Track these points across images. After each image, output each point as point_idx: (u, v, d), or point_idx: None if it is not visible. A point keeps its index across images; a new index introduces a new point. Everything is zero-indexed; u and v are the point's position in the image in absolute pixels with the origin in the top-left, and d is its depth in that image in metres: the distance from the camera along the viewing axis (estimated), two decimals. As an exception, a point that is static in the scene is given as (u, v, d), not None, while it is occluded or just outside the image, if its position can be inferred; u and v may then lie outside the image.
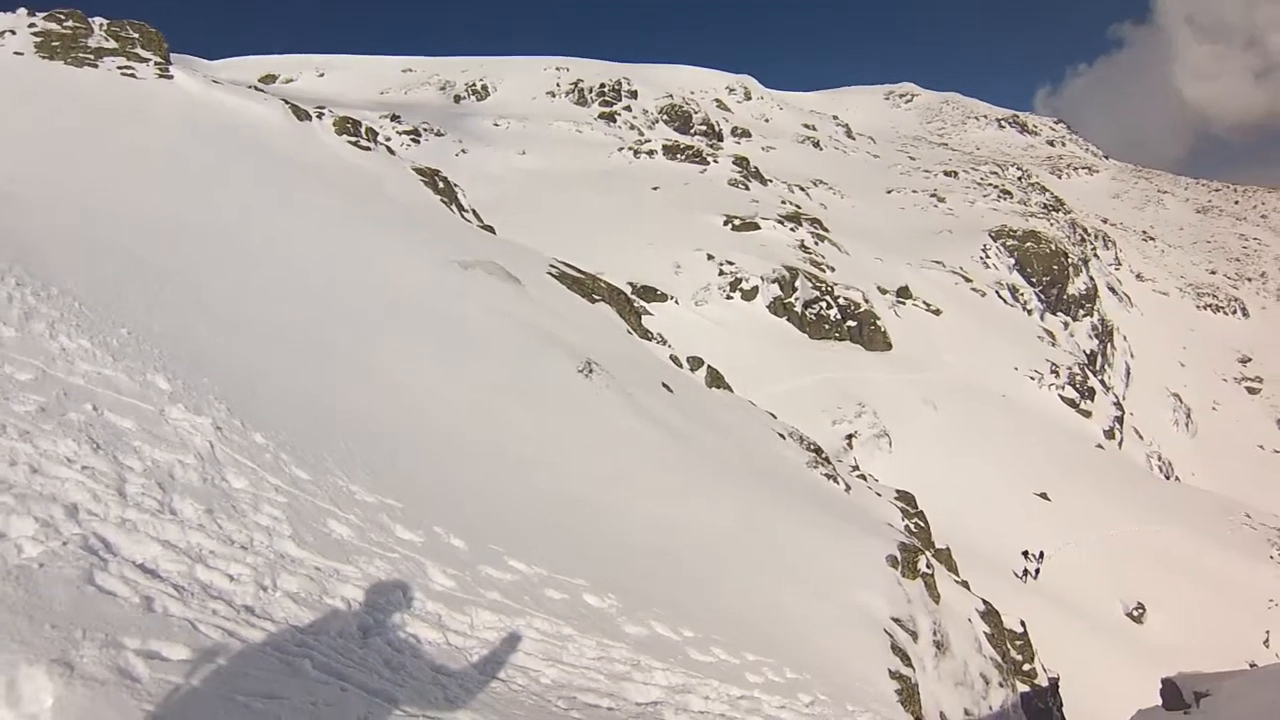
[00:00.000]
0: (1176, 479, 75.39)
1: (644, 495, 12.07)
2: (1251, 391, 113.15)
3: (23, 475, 3.51)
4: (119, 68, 23.09)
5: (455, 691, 3.90)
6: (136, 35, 25.74)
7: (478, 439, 9.83)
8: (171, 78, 24.34)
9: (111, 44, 24.34)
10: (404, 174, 29.38)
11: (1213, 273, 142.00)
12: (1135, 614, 39.45)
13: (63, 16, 24.44)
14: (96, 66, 22.70)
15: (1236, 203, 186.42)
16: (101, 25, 25.32)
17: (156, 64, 24.43)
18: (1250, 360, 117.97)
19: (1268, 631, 41.17)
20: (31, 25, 23.37)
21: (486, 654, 4.70)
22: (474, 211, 32.37)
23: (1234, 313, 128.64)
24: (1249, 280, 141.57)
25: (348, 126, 29.97)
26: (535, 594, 6.23)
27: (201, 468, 4.41)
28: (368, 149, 29.53)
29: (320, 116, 29.12)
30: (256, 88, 32.06)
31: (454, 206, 29.82)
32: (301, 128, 27.03)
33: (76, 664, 2.39)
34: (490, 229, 31.15)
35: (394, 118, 79.81)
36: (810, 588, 12.73)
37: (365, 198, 22.43)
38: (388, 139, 42.65)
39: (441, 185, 30.53)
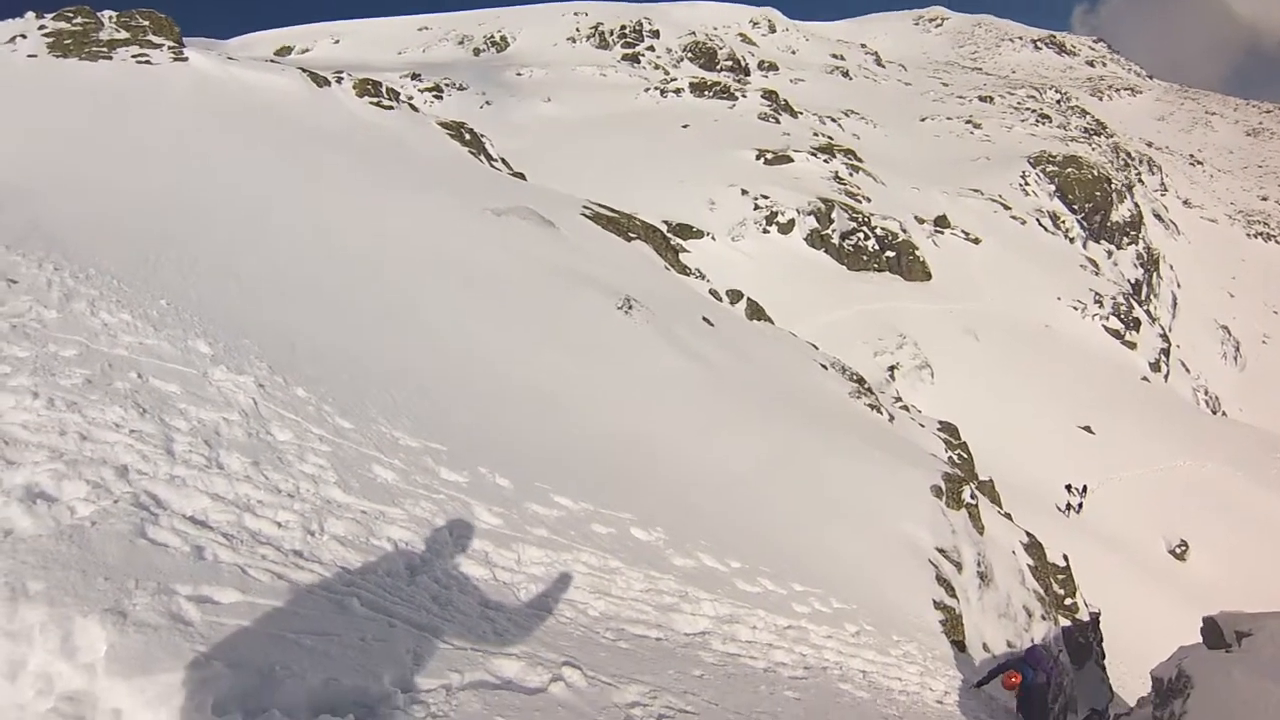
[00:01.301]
0: (1223, 414, 73.69)
1: (687, 429, 12.15)
2: None
3: (73, 443, 3.61)
4: (133, 56, 23.14)
5: (503, 625, 3.99)
6: (147, 23, 25.84)
7: (519, 382, 9.95)
8: (186, 60, 24.33)
9: (123, 35, 24.38)
10: (429, 129, 29.27)
11: (1264, 199, 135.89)
12: (1178, 551, 39.03)
13: (71, 14, 24.48)
14: (111, 58, 22.77)
15: None
16: (111, 18, 25.38)
17: (170, 48, 24.46)
18: None
19: None
20: (42, 27, 23.44)
21: (534, 589, 4.78)
22: (503, 160, 32.22)
23: None
24: None
25: (368, 88, 29.82)
26: (582, 529, 6.31)
27: (246, 423, 4.54)
28: (390, 108, 29.41)
29: (339, 81, 29.04)
30: (273, 61, 31.94)
31: (482, 157, 29.71)
32: (322, 94, 26.96)
33: (129, 612, 2.48)
34: (521, 176, 31.02)
35: (414, 76, 79.08)
36: (855, 519, 12.80)
37: (392, 156, 22.45)
38: (410, 97, 42.28)
39: (468, 137, 30.39)
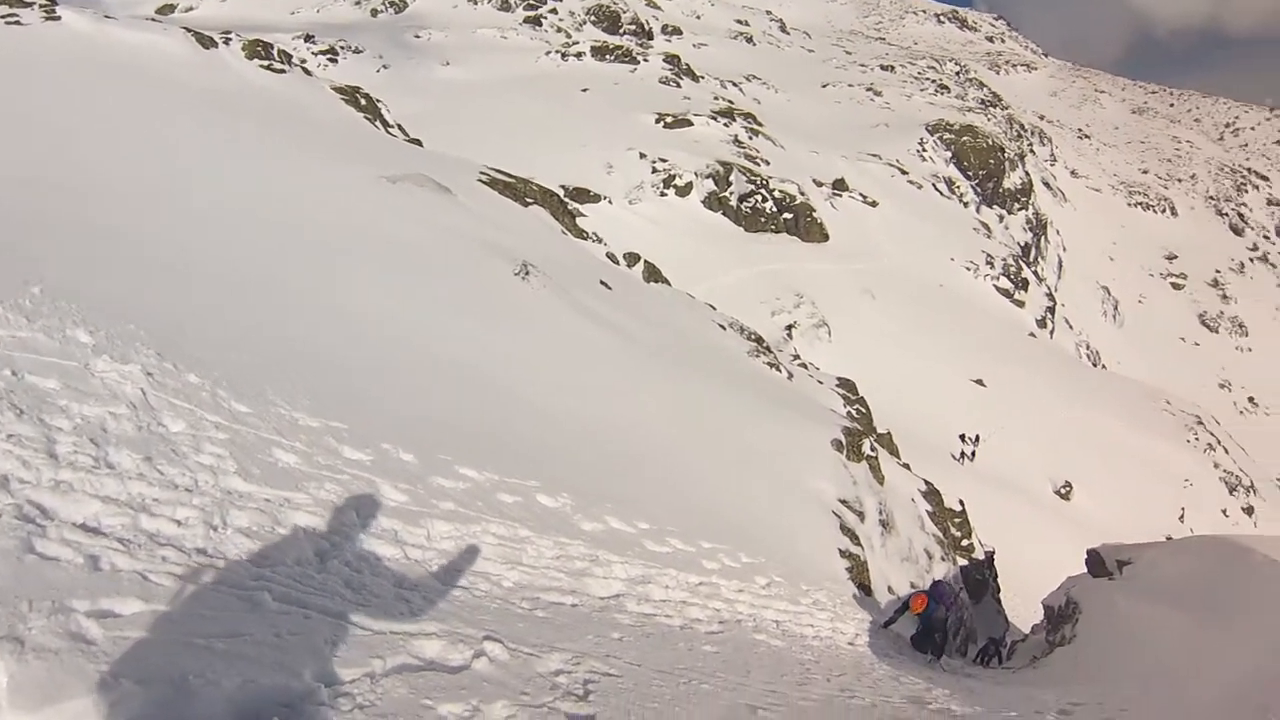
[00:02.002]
0: (1103, 367, 78.99)
1: (589, 392, 12.21)
2: (1176, 287, 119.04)
3: (-60, 458, 3.32)
4: (1, 17, 21.23)
5: (419, 604, 3.98)
6: (15, -19, 23.61)
7: (420, 352, 9.77)
8: (59, 19, 22.47)
9: (-11, -6, 22.26)
10: (323, 94, 28.06)
11: (1145, 172, 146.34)
12: (1063, 492, 41.83)
13: (-76, -25, 22.19)
14: (-25, 20, 20.79)
15: (1171, 105, 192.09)
16: (-25, -24, 23.07)
17: (42, 6, 22.51)
18: (1176, 258, 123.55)
19: (1183, 508, 44.36)
20: (-108, -9, 21.23)
21: (446, 564, 4.77)
22: (399, 126, 31.23)
23: (1163, 211, 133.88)
24: (1179, 181, 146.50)
25: (258, 50, 28.34)
26: (489, 500, 6.30)
27: (135, 416, 4.27)
28: (282, 71, 28.06)
29: (227, 43, 27.46)
30: (154, 20, 29.94)
31: (378, 123, 28.75)
32: (209, 56, 25.43)
33: (26, 637, 2.33)
34: (418, 142, 30.18)
35: (308, 38, 75.31)
36: (759, 474, 13.12)
37: (285, 122, 21.44)
38: (303, 60, 40.42)
39: (364, 102, 29.32)
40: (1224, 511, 47.15)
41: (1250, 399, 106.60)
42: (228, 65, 25.65)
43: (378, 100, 30.87)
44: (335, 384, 6.89)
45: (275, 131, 18.45)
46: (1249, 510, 49.37)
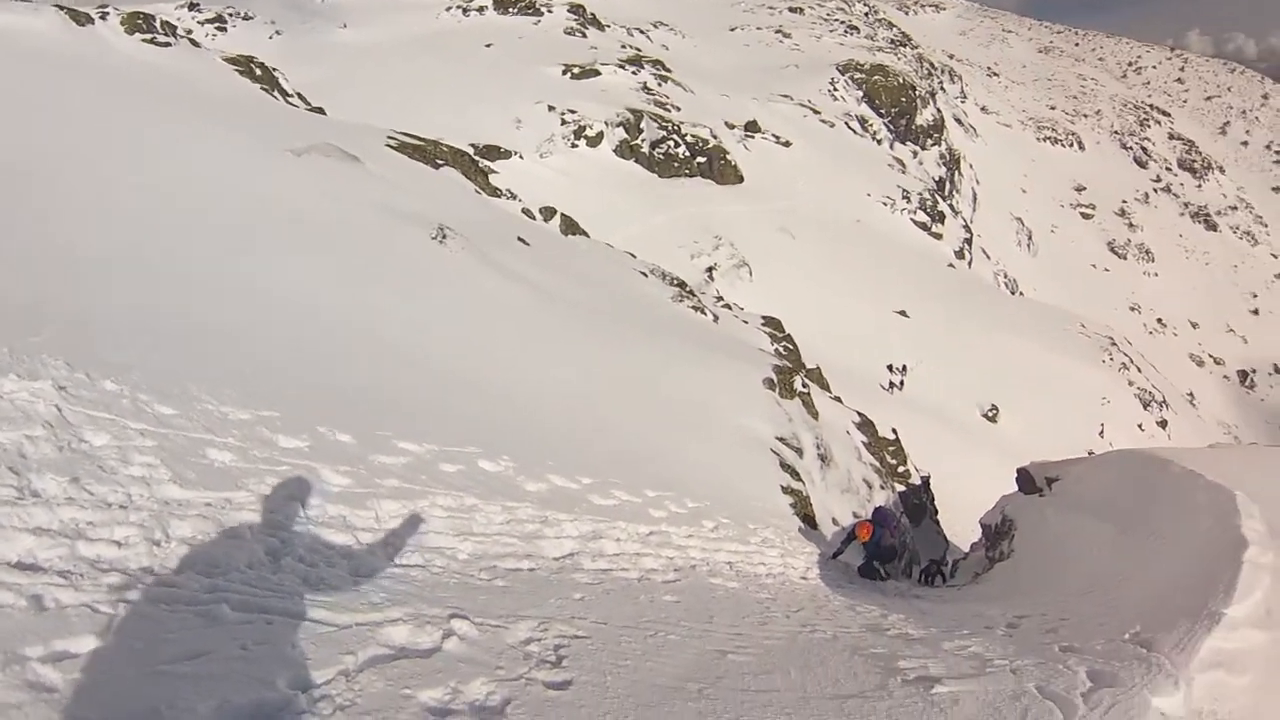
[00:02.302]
0: (1021, 294, 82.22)
1: (519, 352, 12.12)
2: (1085, 217, 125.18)
3: None
4: None
5: (380, 590, 3.91)
6: None
7: (345, 329, 9.48)
8: None
9: None
10: (215, 66, 26.51)
11: (1052, 108, 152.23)
12: (990, 415, 43.67)
13: None
14: None
15: (1076, 45, 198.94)
16: None
17: None
18: (1084, 189, 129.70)
19: (1102, 424, 46.98)
20: None
21: (400, 543, 4.70)
22: (299, 95, 29.86)
23: (1071, 145, 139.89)
24: (1085, 116, 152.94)
25: (139, 23, 26.51)
26: (432, 471, 6.22)
27: (54, 436, 3.96)
28: (168, 44, 26.37)
29: (104, 17, 25.53)
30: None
31: (277, 93, 27.41)
32: (84, 34, 23.59)
33: None
34: (320, 111, 28.97)
35: (192, 6, 70.88)
36: (695, 419, 13.26)
37: (175, 99, 20.13)
38: (189, 31, 38.04)
39: (259, 73, 27.85)
40: (1140, 426, 50.06)
41: (1159, 320, 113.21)
42: (107, 43, 23.92)
43: (274, 69, 29.38)
44: (259, 371, 6.63)
45: (166, 111, 17.34)
46: (1163, 424, 52.62)
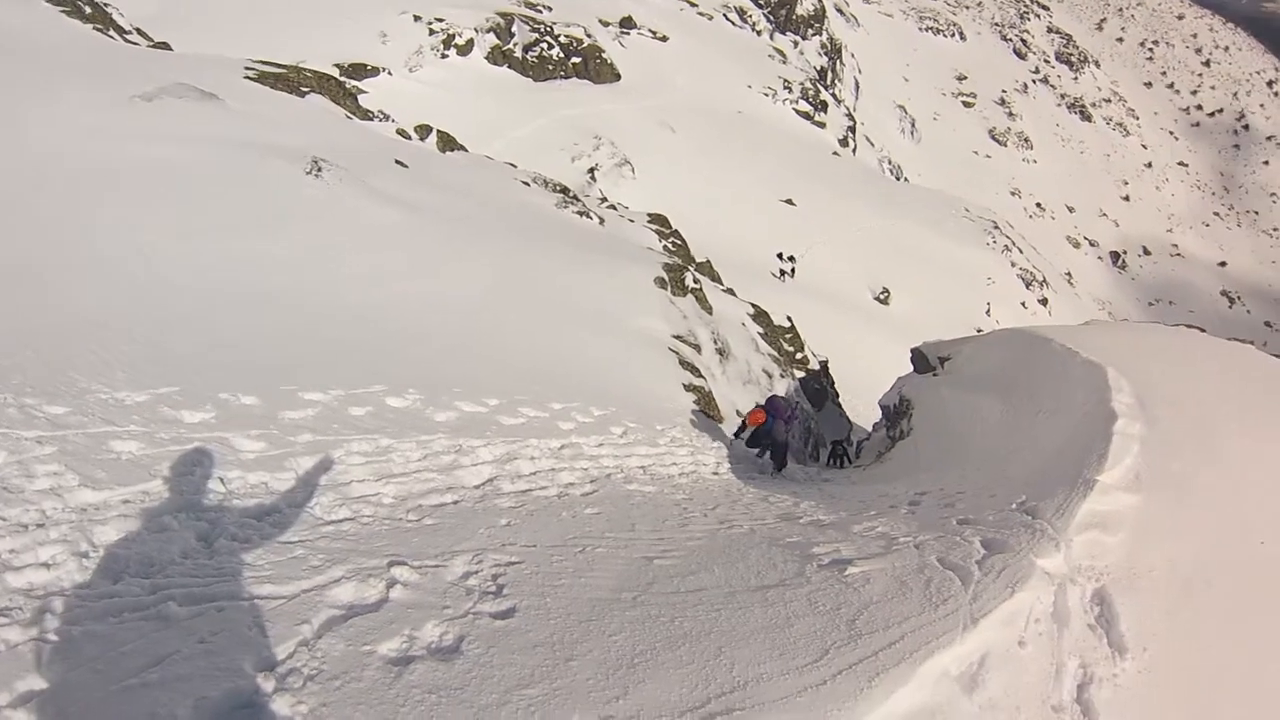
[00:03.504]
0: (905, 180, 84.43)
1: (409, 279, 11.90)
2: (966, 105, 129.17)
3: None
4: None
5: (316, 550, 3.93)
6: None
7: (226, 284, 9.04)
8: None
9: None
10: (37, 10, 23.42)
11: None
12: (882, 297, 45.34)
13: None
14: None
15: None
16: None
17: None
18: (966, 78, 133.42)
19: (988, 303, 49.56)
20: None
21: (324, 499, 4.69)
22: (139, 31, 27.08)
23: (952, 36, 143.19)
24: (966, 8, 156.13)
25: (-68, -23, 23.02)
26: (342, 418, 6.19)
27: None
28: (-26, -3, 23.13)
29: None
30: None
31: (112, 32, 24.71)
32: None
33: None
34: (165, 46, 26.42)
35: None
36: (591, 325, 13.32)
37: (-1, 54, 17.93)
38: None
39: (90, 10, 24.94)
40: (1023, 304, 53.26)
41: (1038, 204, 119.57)
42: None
43: (105, 4, 26.42)
44: (144, 345, 6.30)
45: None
46: (1044, 301, 56.09)
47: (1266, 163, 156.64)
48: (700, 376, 14.40)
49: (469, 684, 2.92)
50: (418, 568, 3.94)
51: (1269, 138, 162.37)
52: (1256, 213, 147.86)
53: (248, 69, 22.66)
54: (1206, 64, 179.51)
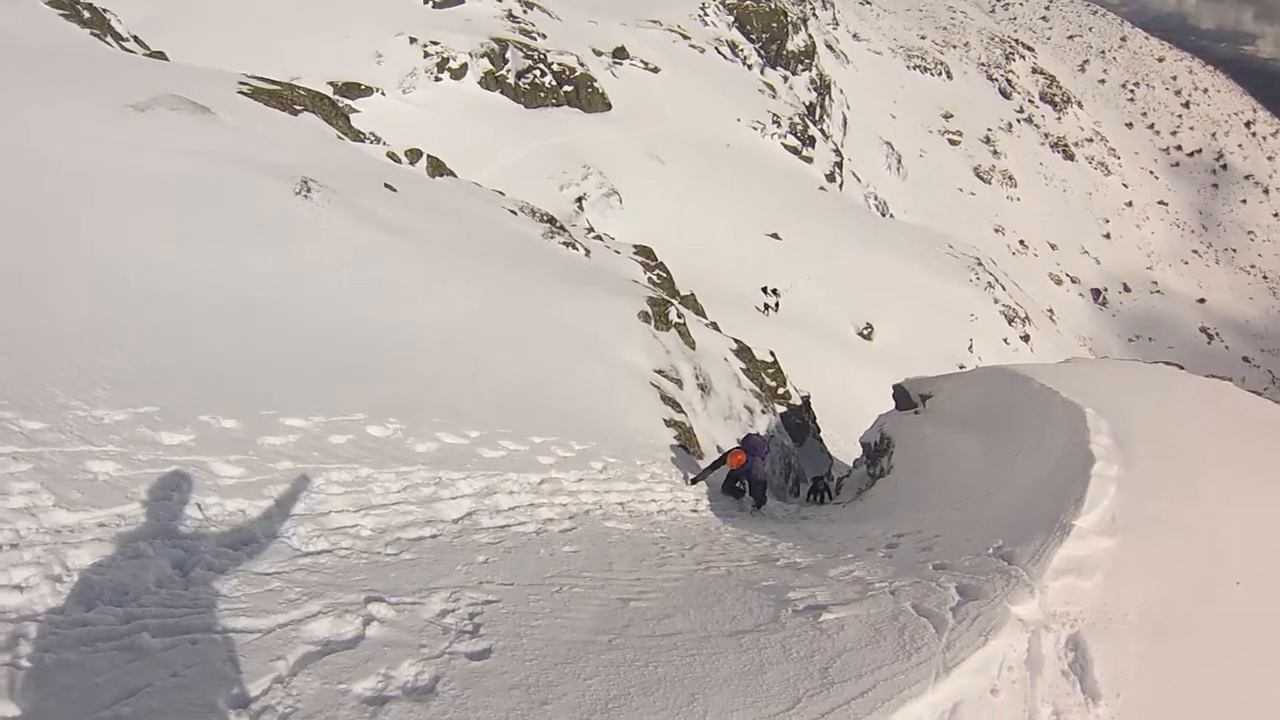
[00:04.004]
0: (891, 215, 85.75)
1: (394, 302, 11.91)
2: (952, 143, 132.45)
3: None
4: None
5: (292, 583, 3.90)
6: None
7: (216, 301, 9.02)
8: None
9: None
10: (35, 12, 23.39)
11: (923, 38, 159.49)
12: (865, 332, 45.68)
13: None
14: None
15: None
16: None
17: None
18: (952, 116, 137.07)
19: (971, 339, 50.05)
20: None
21: (302, 530, 4.64)
22: (136, 39, 27.08)
23: (939, 75, 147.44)
24: (954, 47, 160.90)
25: (-72, -25, 22.94)
26: (322, 446, 6.15)
27: None
28: (-29, -7, 23.07)
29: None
30: None
31: (110, 38, 24.72)
32: None
33: None
34: (161, 55, 26.44)
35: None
36: (573, 358, 13.31)
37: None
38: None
39: (88, 15, 24.96)
40: (1005, 340, 53.79)
41: (1021, 241, 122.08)
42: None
43: (104, 9, 26.42)
44: (127, 361, 6.25)
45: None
46: (1026, 338, 56.71)
47: (1244, 201, 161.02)
48: (681, 412, 14.40)
49: (444, 726, 2.89)
50: (395, 604, 3.92)
51: (1247, 177, 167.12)
52: (1234, 250, 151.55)
53: (241, 83, 22.72)
54: (1186, 105, 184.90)
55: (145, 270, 8.95)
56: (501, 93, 53.84)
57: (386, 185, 19.46)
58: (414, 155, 29.05)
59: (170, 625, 3.18)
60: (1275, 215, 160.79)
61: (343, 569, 4.33)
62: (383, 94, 46.82)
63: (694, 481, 10.74)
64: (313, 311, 10.23)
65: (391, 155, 27.09)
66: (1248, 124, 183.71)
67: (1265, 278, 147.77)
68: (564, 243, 24.21)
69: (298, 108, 23.60)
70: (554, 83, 56.03)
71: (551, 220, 26.70)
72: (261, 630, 3.32)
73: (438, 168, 28.96)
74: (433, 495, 6.08)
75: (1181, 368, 11.72)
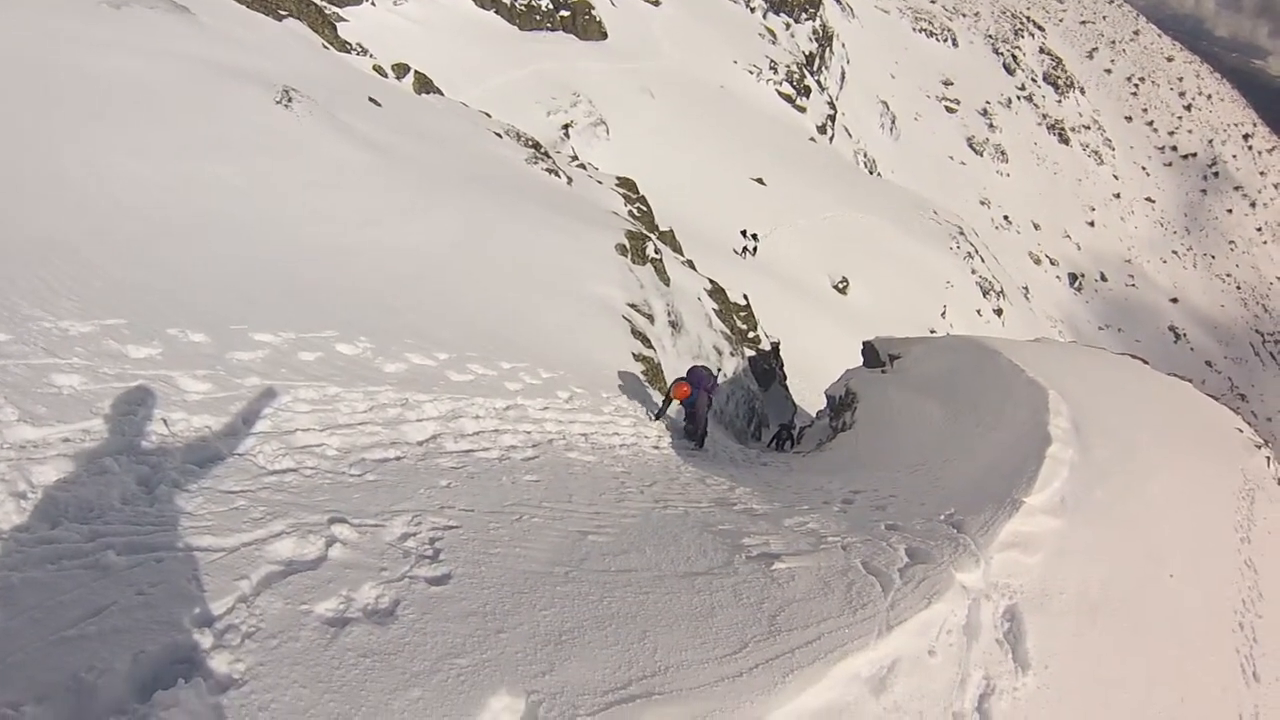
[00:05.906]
0: (878, 175, 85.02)
1: (370, 225, 11.75)
2: (949, 110, 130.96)
3: None
4: None
5: (256, 502, 3.91)
6: None
7: (186, 215, 8.84)
8: None
9: None
10: None
11: (933, 2, 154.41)
12: (840, 286, 45.74)
13: None
14: None
15: None
16: None
17: None
18: (952, 84, 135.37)
19: (944, 305, 50.26)
20: None
21: (267, 449, 4.63)
22: None
23: (945, 40, 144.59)
24: (963, 15, 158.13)
25: None
26: (290, 363, 6.13)
27: None
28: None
29: None
30: None
31: None
32: None
33: None
34: None
35: None
36: (547, 287, 13.28)
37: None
38: None
39: None
40: (978, 311, 54.29)
41: (1005, 217, 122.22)
42: None
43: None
44: (96, 275, 6.14)
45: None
46: (999, 311, 57.28)
47: (1230, 211, 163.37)
48: (650, 347, 14.44)
49: (402, 650, 2.97)
50: (357, 526, 3.94)
51: (1236, 187, 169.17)
52: (1213, 256, 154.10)
53: (223, -17, 21.80)
54: (1188, 108, 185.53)
55: (112, 179, 8.69)
56: (496, 12, 52.27)
57: (371, 99, 19.01)
58: (401, 70, 28.33)
59: (135, 543, 3.19)
60: (1258, 230, 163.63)
61: (307, 489, 4.34)
62: (373, 4, 45.12)
63: (657, 417, 10.86)
64: (287, 226, 10.08)
65: (377, 69, 26.41)
66: (1246, 136, 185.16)
67: (1239, 288, 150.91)
68: (547, 169, 23.89)
69: (282, 12, 22.85)
70: (551, 6, 54.51)
71: (536, 146, 26.27)
72: (226, 549, 3.34)
73: (425, 84, 28.28)
74: (399, 416, 6.08)
75: (1146, 362, 11.95)
